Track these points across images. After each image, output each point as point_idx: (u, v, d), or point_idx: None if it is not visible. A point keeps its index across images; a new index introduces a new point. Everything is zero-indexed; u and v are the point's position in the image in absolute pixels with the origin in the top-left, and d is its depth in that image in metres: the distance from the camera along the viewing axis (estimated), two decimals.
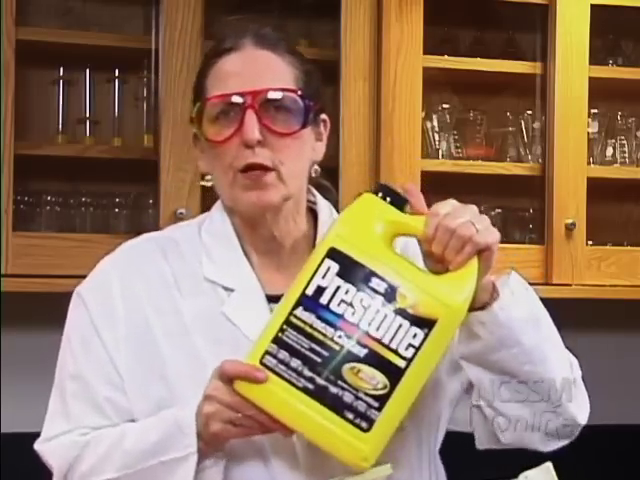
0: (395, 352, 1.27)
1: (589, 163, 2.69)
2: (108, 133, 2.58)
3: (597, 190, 2.63)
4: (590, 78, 2.62)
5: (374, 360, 1.27)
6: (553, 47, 2.61)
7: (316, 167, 1.52)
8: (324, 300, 1.29)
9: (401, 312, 1.28)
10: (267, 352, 1.29)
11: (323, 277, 1.30)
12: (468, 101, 2.77)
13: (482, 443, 1.52)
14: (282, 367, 1.28)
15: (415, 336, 1.28)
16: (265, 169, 1.41)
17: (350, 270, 1.30)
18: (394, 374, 1.27)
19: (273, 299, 1.45)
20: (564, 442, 1.49)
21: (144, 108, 2.56)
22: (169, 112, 2.36)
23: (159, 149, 2.40)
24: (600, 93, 2.66)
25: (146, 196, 2.51)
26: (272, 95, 1.41)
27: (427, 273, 1.33)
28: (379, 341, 1.27)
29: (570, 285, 2.59)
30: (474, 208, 1.34)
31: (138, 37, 2.54)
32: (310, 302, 1.29)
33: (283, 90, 1.42)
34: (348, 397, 1.26)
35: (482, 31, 2.79)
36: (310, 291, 1.30)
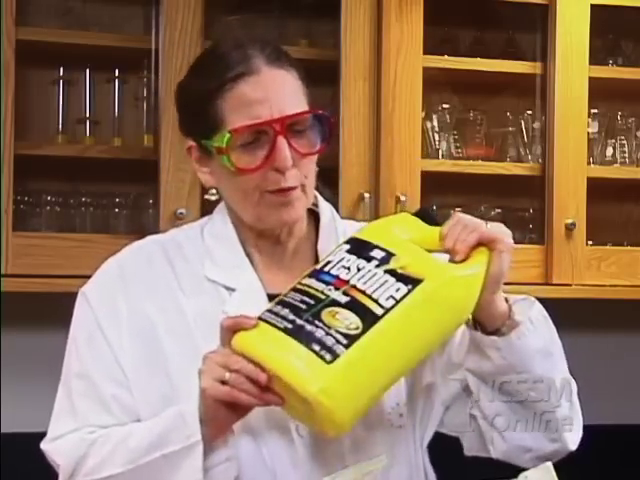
0: (376, 301, 1.30)
1: (589, 163, 2.69)
2: (108, 133, 2.58)
3: (597, 190, 2.64)
4: (590, 78, 2.62)
5: (353, 306, 1.30)
6: (553, 47, 2.61)
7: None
8: (327, 268, 1.34)
9: (391, 271, 1.32)
10: (267, 310, 1.33)
11: (334, 255, 1.36)
12: (468, 101, 2.77)
13: (470, 450, 1.54)
14: (271, 315, 1.32)
15: (398, 290, 1.30)
16: (293, 189, 1.44)
17: (357, 246, 1.36)
18: (369, 319, 1.28)
19: (274, 298, 1.45)
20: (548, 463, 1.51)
21: (144, 108, 2.56)
22: (169, 112, 2.36)
23: (159, 149, 2.40)
24: (600, 93, 2.66)
25: (146, 196, 2.51)
26: (297, 119, 1.43)
27: (434, 255, 1.36)
28: (363, 292, 1.30)
29: (570, 285, 2.59)
30: (500, 224, 1.40)
31: (138, 37, 2.54)
32: (316, 272, 1.35)
33: (307, 113, 1.44)
34: (319, 333, 1.28)
35: (482, 31, 2.80)
36: (319, 265, 1.36)
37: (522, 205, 2.76)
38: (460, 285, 1.34)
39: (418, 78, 2.52)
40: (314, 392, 1.26)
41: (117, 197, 2.54)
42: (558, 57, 2.60)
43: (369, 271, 1.32)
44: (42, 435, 1.50)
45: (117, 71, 2.58)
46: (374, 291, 1.30)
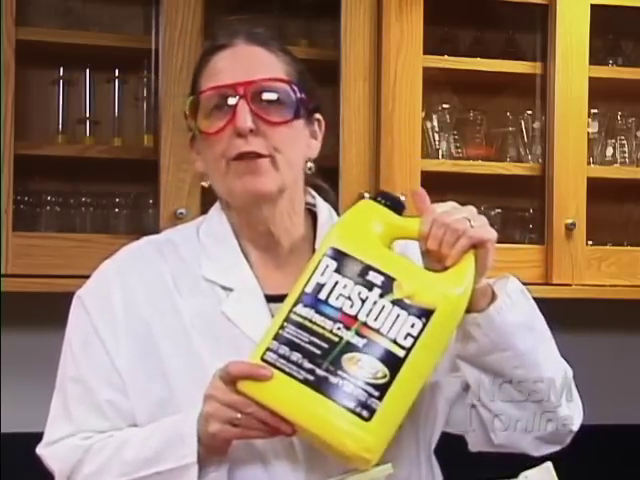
0: (394, 342, 1.27)
1: (589, 163, 2.69)
2: (108, 133, 2.58)
3: (597, 190, 2.63)
4: (590, 78, 2.61)
5: (373, 350, 1.27)
6: (553, 47, 2.61)
7: (310, 164, 1.52)
8: (322, 295, 1.30)
9: (399, 302, 1.29)
10: (268, 349, 1.29)
11: (322, 274, 1.31)
12: (468, 101, 2.77)
13: (475, 445, 1.53)
14: (283, 361, 1.28)
15: (413, 326, 1.28)
16: (259, 156, 1.43)
17: (348, 266, 1.31)
18: (393, 363, 1.27)
19: (272, 298, 1.46)
20: (555, 448, 1.50)
21: (144, 108, 2.56)
22: (169, 112, 2.36)
23: (159, 149, 2.40)
24: (600, 93, 2.66)
25: (146, 196, 2.51)
26: (264, 85, 1.43)
27: (425, 270, 1.34)
28: (377, 331, 1.28)
29: (570, 285, 2.59)
30: (472, 208, 1.36)
31: (138, 37, 2.54)
32: (309, 298, 1.31)
33: (275, 80, 1.44)
34: (348, 386, 1.26)
35: (482, 31, 2.79)
36: (309, 289, 1.31)
37: (522, 205, 2.76)
38: (464, 302, 1.33)
39: (418, 78, 2.52)
40: (360, 453, 1.27)
41: (117, 197, 2.54)
42: (558, 57, 2.60)
43: (375, 303, 1.29)
44: (42, 435, 1.50)
45: (117, 71, 2.58)
46: (389, 330, 1.28)
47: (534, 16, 2.69)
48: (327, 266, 1.32)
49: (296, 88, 1.45)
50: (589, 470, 2.74)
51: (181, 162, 2.35)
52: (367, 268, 1.31)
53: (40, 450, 1.49)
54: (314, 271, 1.32)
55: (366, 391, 1.26)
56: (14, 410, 2.53)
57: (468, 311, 1.35)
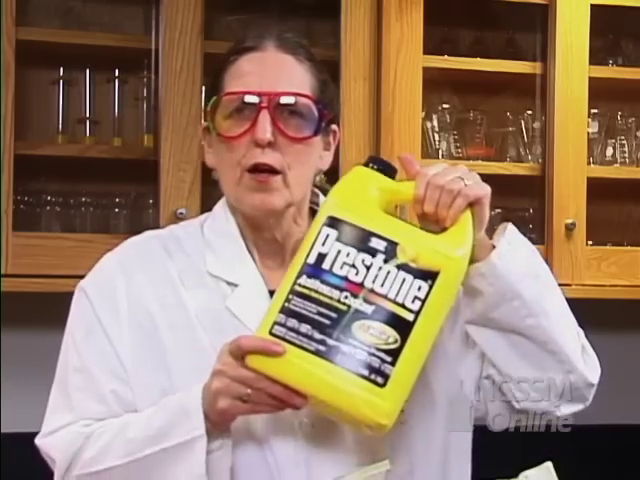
0: (402, 306, 1.28)
1: (589, 163, 2.69)
2: (108, 133, 2.58)
3: (597, 190, 2.63)
4: (590, 78, 2.62)
5: (382, 316, 1.27)
6: (553, 47, 2.61)
7: (320, 177, 1.54)
8: (326, 265, 1.30)
9: (403, 267, 1.29)
10: (276, 322, 1.29)
11: (323, 244, 1.31)
12: (468, 101, 2.77)
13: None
14: (292, 334, 1.27)
15: (420, 289, 1.29)
16: (272, 171, 1.42)
17: (349, 234, 1.31)
18: (403, 328, 1.27)
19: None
20: (577, 407, 1.49)
21: (144, 108, 2.56)
22: (169, 112, 2.37)
23: (159, 149, 2.40)
24: (600, 93, 2.66)
25: (146, 196, 2.51)
26: (288, 99, 1.42)
27: (426, 232, 1.35)
28: (385, 297, 1.28)
29: (570, 285, 2.59)
30: (463, 167, 1.37)
31: (138, 37, 2.54)
32: (313, 269, 1.30)
33: (300, 95, 1.43)
34: (361, 354, 1.26)
35: (482, 31, 2.80)
36: (312, 259, 1.31)
37: (522, 205, 2.76)
38: (466, 261, 1.34)
39: (418, 78, 2.52)
40: (378, 419, 1.27)
41: (117, 197, 2.54)
42: (558, 57, 2.60)
43: (380, 269, 1.29)
44: None
45: (117, 71, 2.58)
46: (397, 294, 1.28)
47: (534, 16, 2.69)
48: (327, 235, 1.32)
49: (320, 106, 1.45)
50: (589, 470, 2.75)
51: (181, 162, 2.35)
52: (369, 234, 1.31)
53: (39, 440, 1.47)
54: (314, 241, 1.32)
55: (379, 357, 1.26)
56: (14, 410, 2.53)
57: (470, 264, 1.36)
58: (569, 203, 2.60)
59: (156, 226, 2.35)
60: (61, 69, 2.56)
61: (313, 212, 1.54)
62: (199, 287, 1.47)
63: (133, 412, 1.43)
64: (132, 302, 1.46)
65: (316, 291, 1.29)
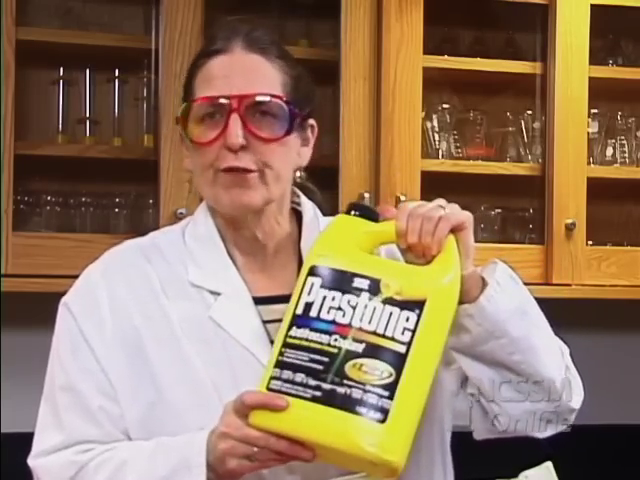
0: (392, 339, 1.27)
1: (589, 163, 2.69)
2: (108, 133, 2.58)
3: (597, 190, 2.63)
4: (590, 78, 2.62)
5: (373, 352, 1.26)
6: (553, 47, 2.61)
7: (301, 173, 1.52)
8: (314, 313, 1.30)
9: (389, 301, 1.29)
10: (272, 377, 1.28)
11: (309, 293, 1.31)
12: (468, 101, 2.77)
13: (479, 433, 1.51)
14: (288, 385, 1.27)
15: (408, 319, 1.28)
16: (247, 171, 1.41)
17: (332, 279, 1.31)
18: (396, 360, 1.26)
19: (259, 301, 1.45)
20: (560, 428, 1.49)
21: (144, 108, 2.56)
22: (169, 112, 2.36)
23: (159, 149, 2.40)
24: (600, 93, 2.66)
25: (146, 196, 2.51)
26: (258, 100, 1.41)
27: (409, 265, 1.35)
28: (374, 333, 1.27)
29: (570, 285, 2.59)
30: (441, 199, 1.37)
31: (138, 37, 2.54)
32: (301, 319, 1.30)
33: (269, 96, 1.42)
34: (357, 393, 1.25)
35: (482, 31, 2.80)
36: (300, 310, 1.31)
37: (522, 205, 2.76)
38: (456, 288, 1.33)
39: (418, 78, 2.52)
40: (384, 456, 1.24)
41: (117, 197, 2.54)
42: (558, 57, 2.60)
43: (366, 306, 1.29)
44: None
45: (117, 71, 2.58)
46: (385, 328, 1.27)
47: (534, 16, 2.69)
48: (312, 284, 1.31)
49: (291, 104, 1.43)
50: (589, 470, 2.75)
51: (181, 162, 2.32)
52: (351, 275, 1.30)
53: (31, 461, 1.46)
54: (301, 292, 1.32)
55: (375, 393, 1.25)
56: (14, 410, 2.53)
57: (460, 302, 1.35)
58: (569, 203, 2.60)
59: (156, 226, 2.35)
60: (61, 69, 2.56)
61: (295, 212, 1.54)
62: (182, 297, 1.46)
63: (122, 427, 1.42)
64: (116, 316, 1.44)
65: (306, 339, 1.28)
